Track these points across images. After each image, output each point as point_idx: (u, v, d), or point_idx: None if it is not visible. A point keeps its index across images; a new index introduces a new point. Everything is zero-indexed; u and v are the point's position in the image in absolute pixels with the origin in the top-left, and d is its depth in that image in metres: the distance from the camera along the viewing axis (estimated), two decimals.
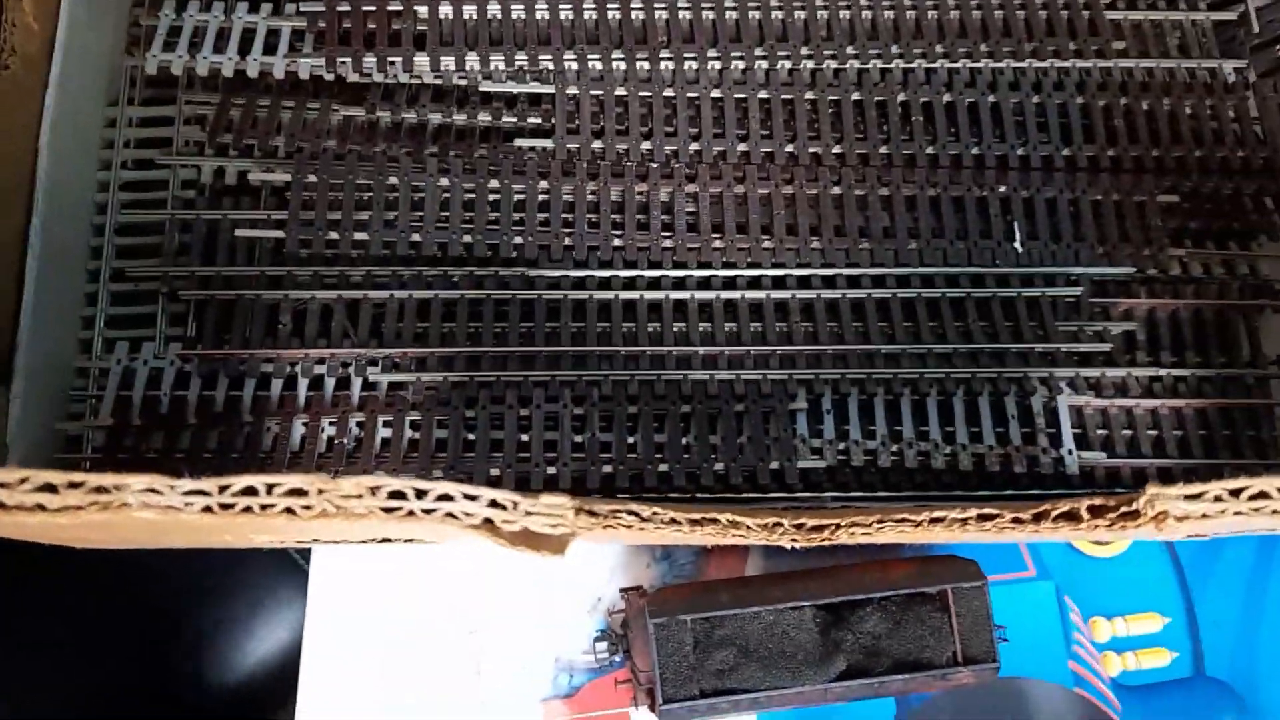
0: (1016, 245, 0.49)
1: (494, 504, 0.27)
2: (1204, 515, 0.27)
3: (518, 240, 0.48)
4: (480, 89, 0.50)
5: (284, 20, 0.51)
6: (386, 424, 0.45)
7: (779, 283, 0.48)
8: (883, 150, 0.50)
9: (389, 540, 0.39)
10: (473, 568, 0.49)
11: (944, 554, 0.46)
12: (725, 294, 0.48)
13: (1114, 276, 0.50)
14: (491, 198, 0.49)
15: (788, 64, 0.51)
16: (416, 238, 0.48)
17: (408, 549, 0.49)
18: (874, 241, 0.49)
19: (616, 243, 0.48)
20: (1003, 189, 0.50)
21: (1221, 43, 0.54)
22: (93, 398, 0.46)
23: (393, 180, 0.48)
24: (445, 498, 0.27)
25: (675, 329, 0.48)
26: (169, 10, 0.50)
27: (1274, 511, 0.27)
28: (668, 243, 0.49)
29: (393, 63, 0.50)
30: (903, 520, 0.32)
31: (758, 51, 0.51)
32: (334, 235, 0.48)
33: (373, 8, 0.50)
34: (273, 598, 0.59)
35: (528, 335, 0.47)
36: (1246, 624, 0.51)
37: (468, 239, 0.48)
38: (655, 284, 0.48)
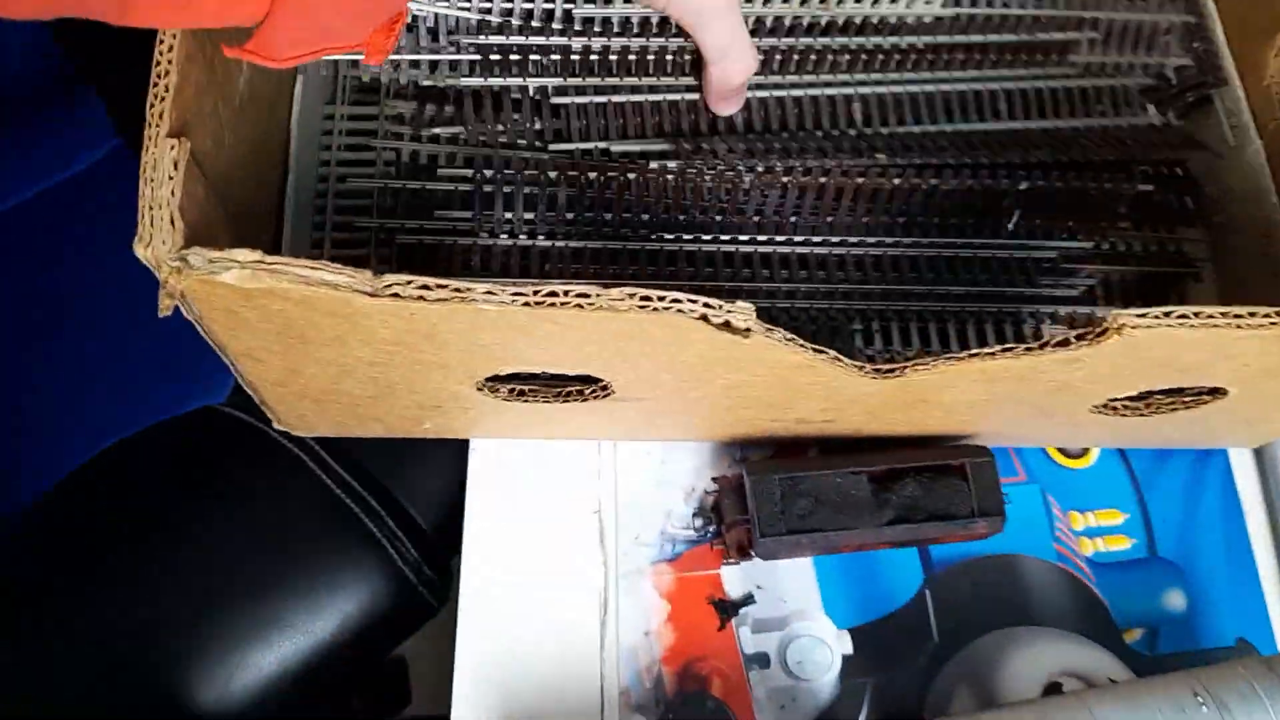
0: (1010, 225, 0.66)
1: (706, 305, 0.42)
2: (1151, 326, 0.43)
3: None
4: None
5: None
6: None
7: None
8: None
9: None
10: (596, 466, 0.64)
11: (962, 444, 0.61)
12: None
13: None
14: None
15: None
16: None
17: (550, 454, 0.63)
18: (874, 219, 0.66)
19: None
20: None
21: None
22: None
23: None
24: (676, 300, 0.42)
25: None
26: None
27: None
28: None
29: None
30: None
31: None
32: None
33: None
34: None
35: None
36: (1186, 518, 0.66)
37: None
38: None
